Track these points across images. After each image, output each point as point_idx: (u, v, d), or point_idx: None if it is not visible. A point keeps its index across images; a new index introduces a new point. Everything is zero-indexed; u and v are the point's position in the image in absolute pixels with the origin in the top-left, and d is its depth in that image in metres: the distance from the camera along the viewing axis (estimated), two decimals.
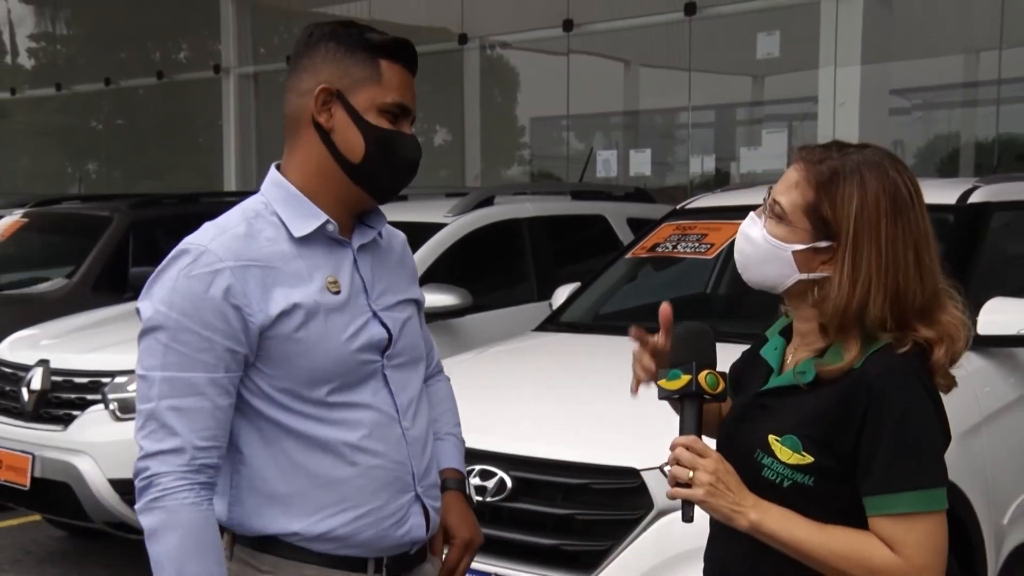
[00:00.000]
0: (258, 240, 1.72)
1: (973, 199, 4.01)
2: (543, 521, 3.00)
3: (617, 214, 6.15)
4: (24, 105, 15.95)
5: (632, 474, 2.87)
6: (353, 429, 1.75)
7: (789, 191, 1.63)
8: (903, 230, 1.59)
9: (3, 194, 11.06)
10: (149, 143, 14.55)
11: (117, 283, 6.39)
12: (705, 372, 1.63)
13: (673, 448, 1.59)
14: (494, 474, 3.08)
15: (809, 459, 1.57)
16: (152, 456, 1.67)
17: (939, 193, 4.26)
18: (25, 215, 7.40)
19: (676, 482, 1.58)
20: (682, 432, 1.62)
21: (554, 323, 4.43)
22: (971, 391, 3.39)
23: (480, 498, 3.06)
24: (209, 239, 1.71)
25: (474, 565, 2.97)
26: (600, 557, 2.88)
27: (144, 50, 14.59)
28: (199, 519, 1.66)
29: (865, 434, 1.55)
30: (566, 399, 3.43)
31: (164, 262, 1.72)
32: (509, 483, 3.05)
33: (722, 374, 1.65)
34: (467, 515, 1.96)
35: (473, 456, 3.13)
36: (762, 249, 1.64)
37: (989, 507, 3.25)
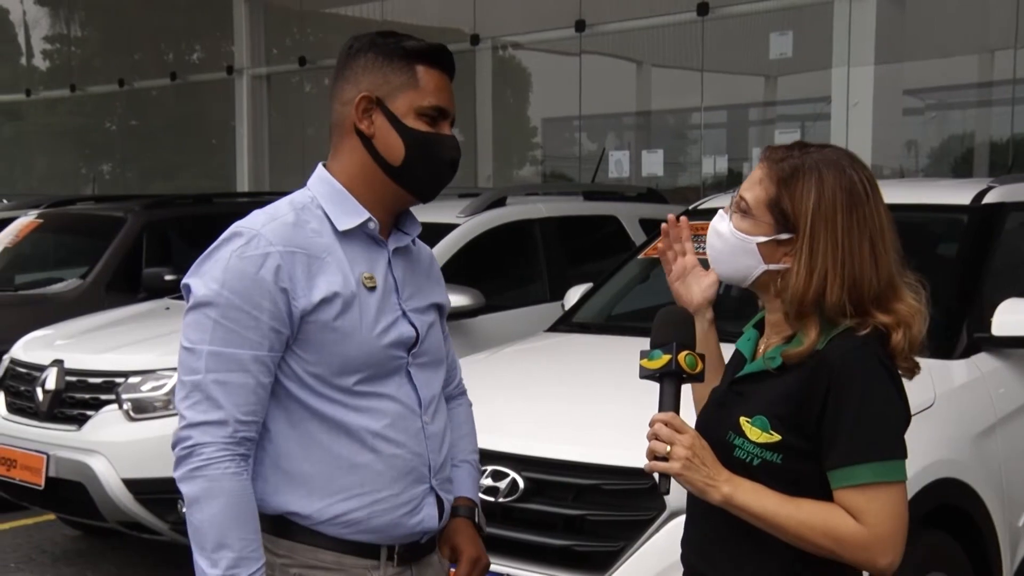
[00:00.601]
0: (304, 230, 1.80)
1: (988, 199, 3.99)
2: (555, 521, 3.00)
3: (629, 215, 6.14)
4: (39, 106, 16.04)
5: (644, 475, 2.86)
6: (377, 418, 1.82)
7: (753, 187, 1.74)
8: (858, 223, 1.69)
9: (18, 195, 11.13)
10: (162, 144, 14.61)
11: (131, 283, 6.42)
12: (684, 353, 1.72)
13: (652, 424, 1.69)
14: (506, 475, 3.08)
15: (777, 437, 1.68)
16: (196, 426, 1.72)
17: (953, 193, 4.24)
18: (40, 216, 7.44)
19: (654, 455, 1.67)
20: (661, 409, 1.71)
21: (566, 323, 4.43)
22: (986, 392, 3.38)
23: (492, 498, 3.06)
24: (261, 224, 1.79)
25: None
26: (612, 558, 2.87)
27: (157, 51, 14.66)
28: (240, 488, 1.73)
29: (828, 411, 1.65)
30: (578, 400, 3.43)
31: (216, 243, 1.79)
32: (521, 483, 3.06)
33: (700, 356, 1.74)
34: (475, 539, 2.02)
35: (485, 456, 3.12)
36: (730, 243, 1.76)
37: (1004, 509, 3.24)
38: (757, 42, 8.64)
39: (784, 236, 1.71)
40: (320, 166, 1.91)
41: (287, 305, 1.75)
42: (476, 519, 2.04)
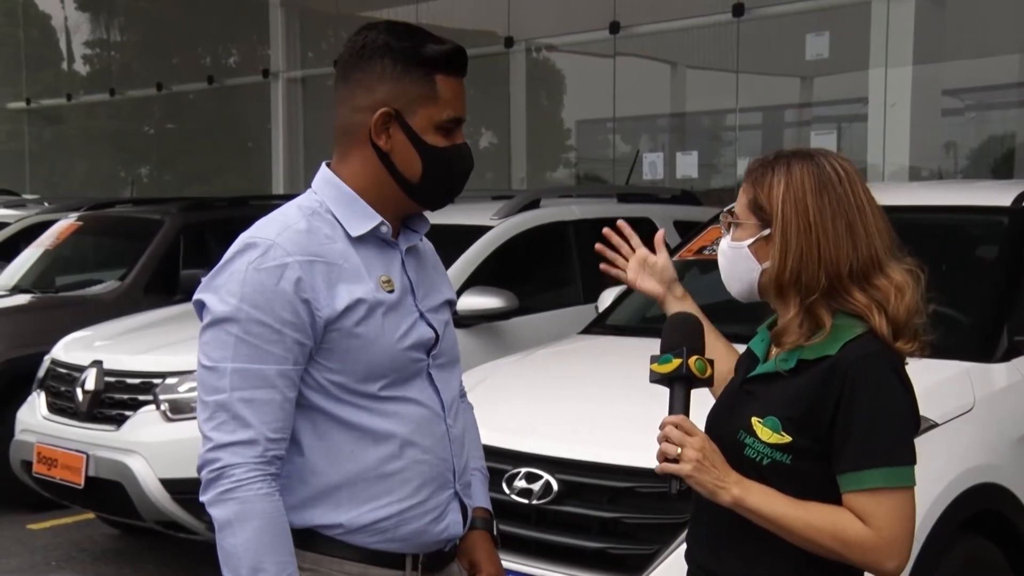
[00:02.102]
0: (318, 236, 1.74)
1: None
2: (589, 524, 2.99)
3: (663, 216, 6.11)
4: (79, 110, 16.25)
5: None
6: (403, 423, 1.78)
7: (739, 199, 1.82)
8: (830, 203, 1.73)
9: (59, 198, 11.28)
10: (199, 147, 14.76)
11: (168, 285, 6.48)
12: (694, 358, 1.75)
13: (663, 426, 1.72)
14: (540, 477, 3.08)
15: (788, 439, 1.70)
16: (224, 447, 1.66)
17: (993, 195, 4.18)
18: (80, 219, 7.53)
19: (665, 457, 1.70)
20: (672, 412, 1.74)
21: (600, 326, 4.42)
22: None
23: (526, 501, 3.06)
24: (275, 233, 1.72)
25: (520, 568, 2.98)
26: (646, 561, 2.86)
27: (195, 55, 14.81)
28: (273, 509, 1.67)
29: (839, 415, 1.68)
30: (612, 402, 3.42)
31: (228, 255, 1.73)
32: (555, 486, 3.05)
33: (710, 361, 1.78)
34: (493, 554, 1.98)
35: (519, 459, 3.14)
36: (730, 256, 1.82)
37: None
38: (793, 43, 8.58)
39: (767, 232, 1.76)
40: (325, 167, 1.84)
41: (310, 316, 1.69)
42: (493, 532, 2.00)
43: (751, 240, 1.78)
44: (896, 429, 1.69)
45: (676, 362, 1.75)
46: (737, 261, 1.80)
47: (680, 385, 1.75)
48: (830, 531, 1.66)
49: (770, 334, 1.83)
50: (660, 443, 1.71)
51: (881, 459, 1.66)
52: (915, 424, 1.73)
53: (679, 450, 1.69)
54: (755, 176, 1.79)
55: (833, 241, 1.72)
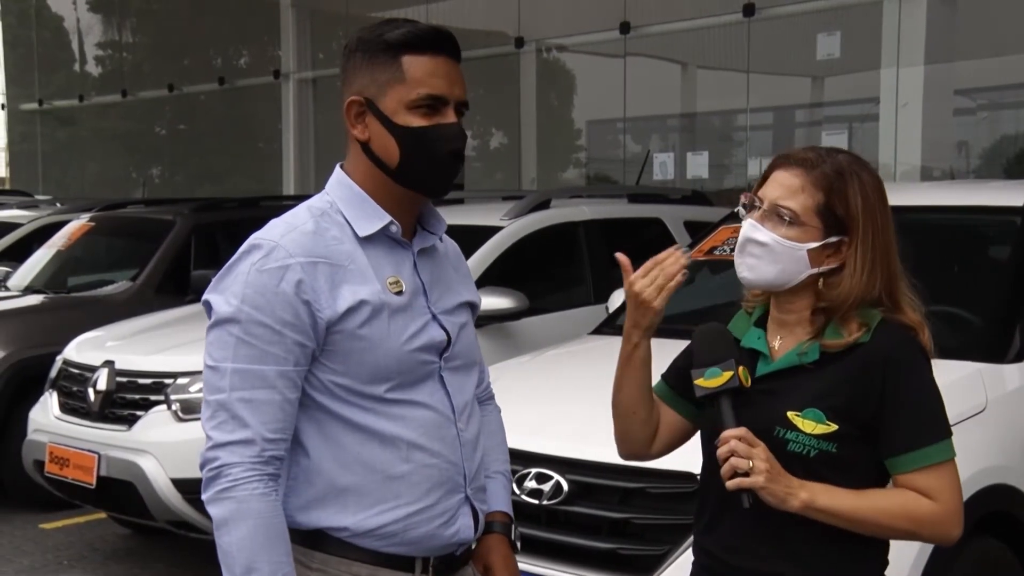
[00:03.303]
0: (325, 238, 1.74)
1: None
2: (599, 525, 2.99)
3: (674, 217, 6.11)
4: (91, 111, 16.32)
5: (689, 478, 2.84)
6: (411, 427, 1.77)
7: (795, 195, 1.77)
8: (889, 218, 1.80)
9: (71, 199, 11.33)
10: (210, 148, 14.80)
11: (179, 285, 6.50)
12: (741, 367, 1.76)
13: (725, 441, 1.70)
14: (550, 477, 3.08)
15: (834, 427, 1.73)
16: (222, 446, 1.68)
17: (1005, 195, 4.17)
18: (91, 219, 7.57)
19: (735, 472, 1.68)
20: (726, 426, 1.72)
21: (611, 326, 4.41)
22: None
23: (536, 501, 3.05)
24: (279, 235, 1.73)
25: (530, 568, 2.98)
26: (657, 561, 2.86)
27: (206, 57, 14.85)
28: (269, 509, 1.67)
29: (887, 400, 1.72)
30: None
31: (235, 256, 1.74)
32: (565, 486, 3.05)
33: (747, 372, 1.78)
34: (509, 559, 1.96)
35: (529, 459, 3.13)
36: (775, 251, 1.77)
37: None
38: (804, 43, 8.55)
39: (834, 239, 1.76)
40: (338, 168, 1.84)
41: (311, 317, 1.69)
42: (512, 536, 1.98)
43: (815, 244, 1.76)
44: (939, 406, 1.76)
45: (727, 374, 1.74)
46: (786, 259, 1.77)
47: (728, 398, 1.74)
48: (902, 514, 1.71)
49: (766, 328, 1.85)
50: (724, 459, 1.69)
51: (936, 435, 1.73)
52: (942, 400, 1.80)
53: (750, 463, 1.67)
54: (825, 180, 1.76)
55: (893, 255, 1.79)
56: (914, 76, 7.26)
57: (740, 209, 1.83)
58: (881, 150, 7.56)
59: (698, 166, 9.17)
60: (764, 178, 1.84)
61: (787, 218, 1.76)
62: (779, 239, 1.76)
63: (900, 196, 4.77)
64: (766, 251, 1.78)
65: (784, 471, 1.70)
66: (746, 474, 1.67)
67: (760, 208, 1.79)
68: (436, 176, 1.80)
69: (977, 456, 2.98)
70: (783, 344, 1.82)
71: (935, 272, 3.98)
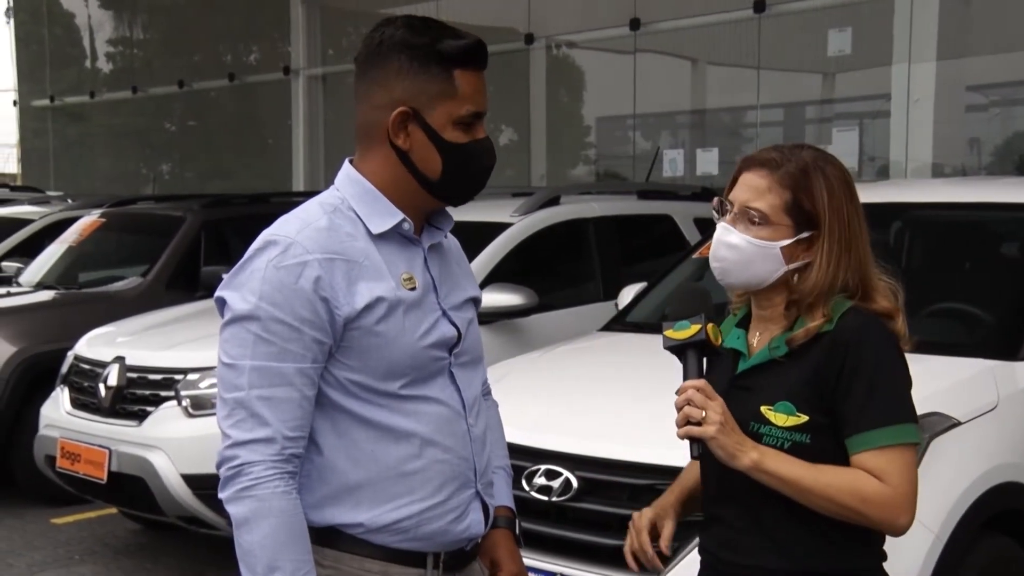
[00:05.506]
0: (339, 234, 1.73)
1: None
2: (609, 521, 2.98)
3: (684, 214, 6.10)
4: (102, 108, 16.37)
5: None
6: (424, 422, 1.77)
7: (763, 196, 1.80)
8: (856, 209, 1.82)
9: (83, 195, 11.36)
10: (220, 144, 14.83)
11: (190, 281, 6.53)
12: (711, 324, 1.79)
13: (683, 391, 1.75)
14: (560, 474, 3.08)
15: (804, 418, 1.76)
16: (242, 444, 1.67)
17: (1017, 192, 4.15)
18: (102, 215, 7.59)
19: (687, 421, 1.73)
20: (687, 377, 1.78)
21: (620, 323, 4.41)
22: None
23: (545, 498, 3.05)
24: (295, 231, 1.72)
25: (539, 564, 2.98)
26: (666, 558, 2.85)
27: (216, 53, 14.87)
28: (290, 508, 1.67)
29: (843, 380, 1.74)
30: (632, 399, 3.41)
31: (249, 253, 1.73)
32: (575, 483, 3.05)
33: (720, 331, 1.82)
34: (515, 553, 1.98)
35: (539, 456, 3.13)
36: (747, 252, 1.81)
37: None
38: (815, 39, 8.52)
39: (806, 234, 1.80)
40: (348, 164, 1.82)
41: (329, 314, 1.68)
42: (516, 530, 1.99)
43: (787, 242, 1.79)
44: (899, 389, 1.76)
45: (695, 328, 1.78)
46: (759, 259, 1.81)
47: (694, 352, 1.79)
48: (848, 489, 1.71)
49: (748, 326, 1.88)
50: (680, 408, 1.74)
51: (889, 418, 1.72)
52: (911, 383, 1.80)
53: (704, 413, 1.72)
54: (791, 178, 1.79)
55: (863, 245, 1.80)
56: (926, 72, 7.23)
57: (714, 213, 1.88)
58: (892, 147, 7.53)
59: (708, 162, 9.15)
60: (733, 181, 1.87)
61: (757, 219, 1.80)
62: (751, 240, 1.80)
63: (911, 193, 4.75)
64: (739, 252, 1.82)
65: (739, 429, 1.74)
66: (699, 424, 1.72)
67: (731, 211, 1.84)
68: (470, 190, 1.84)
69: (989, 453, 2.97)
70: (760, 341, 1.86)
71: (947, 269, 3.97)
